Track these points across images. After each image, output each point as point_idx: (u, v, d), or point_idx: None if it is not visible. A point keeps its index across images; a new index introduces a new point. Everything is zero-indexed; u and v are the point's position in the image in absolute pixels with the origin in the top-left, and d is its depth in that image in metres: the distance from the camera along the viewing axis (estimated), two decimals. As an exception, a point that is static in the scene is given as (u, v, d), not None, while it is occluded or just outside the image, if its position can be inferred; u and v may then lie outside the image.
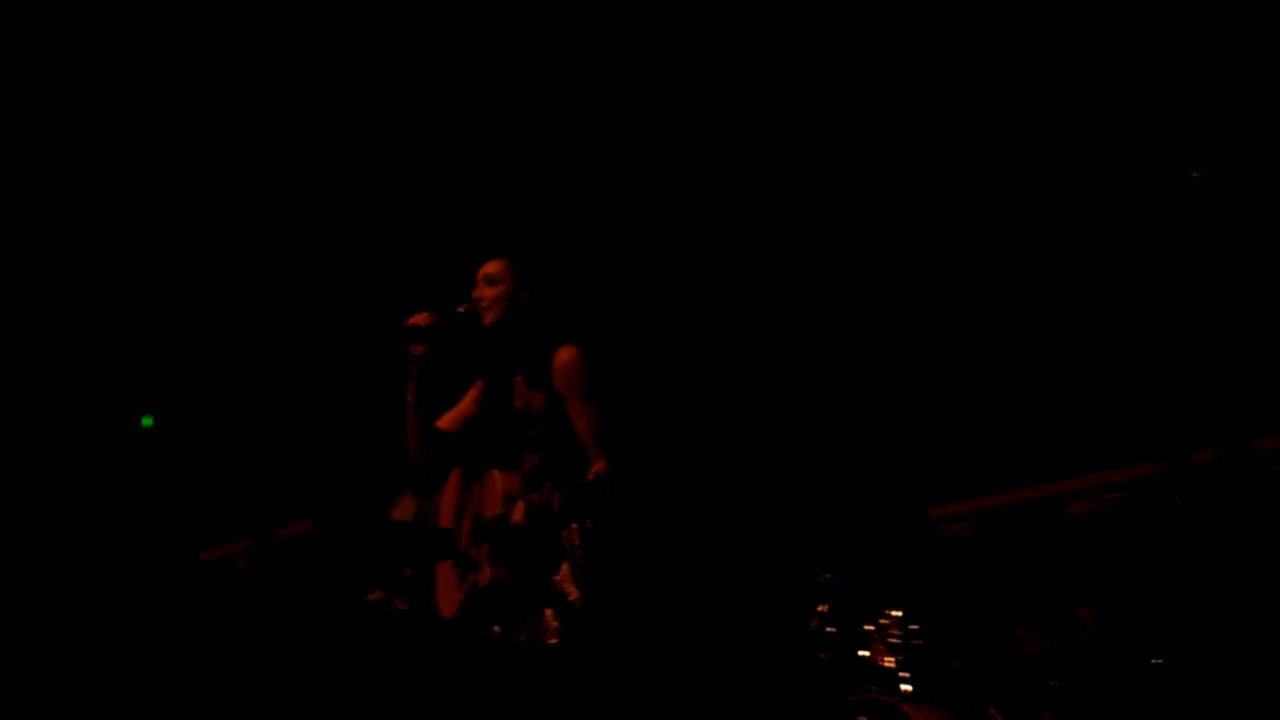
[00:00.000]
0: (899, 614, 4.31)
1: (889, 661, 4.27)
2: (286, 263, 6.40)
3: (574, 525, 3.86)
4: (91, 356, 6.38)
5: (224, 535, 5.56)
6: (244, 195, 6.38)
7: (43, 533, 6.11)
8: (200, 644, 5.23)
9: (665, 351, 5.44)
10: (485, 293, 4.16)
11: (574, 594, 3.80)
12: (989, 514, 4.27)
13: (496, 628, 3.90)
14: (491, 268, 4.18)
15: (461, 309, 4.17)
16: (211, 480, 6.23)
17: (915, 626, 4.28)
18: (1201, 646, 3.72)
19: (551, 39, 5.84)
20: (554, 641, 3.80)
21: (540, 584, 3.86)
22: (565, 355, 4.02)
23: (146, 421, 5.69)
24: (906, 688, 4.20)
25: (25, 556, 6.01)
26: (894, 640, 4.28)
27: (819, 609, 4.44)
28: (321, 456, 5.81)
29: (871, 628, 4.33)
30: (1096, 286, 4.71)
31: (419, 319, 4.13)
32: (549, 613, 3.82)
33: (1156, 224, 4.26)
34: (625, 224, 5.75)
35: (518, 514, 3.92)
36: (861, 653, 4.30)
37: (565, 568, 3.84)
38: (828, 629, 4.39)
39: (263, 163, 6.31)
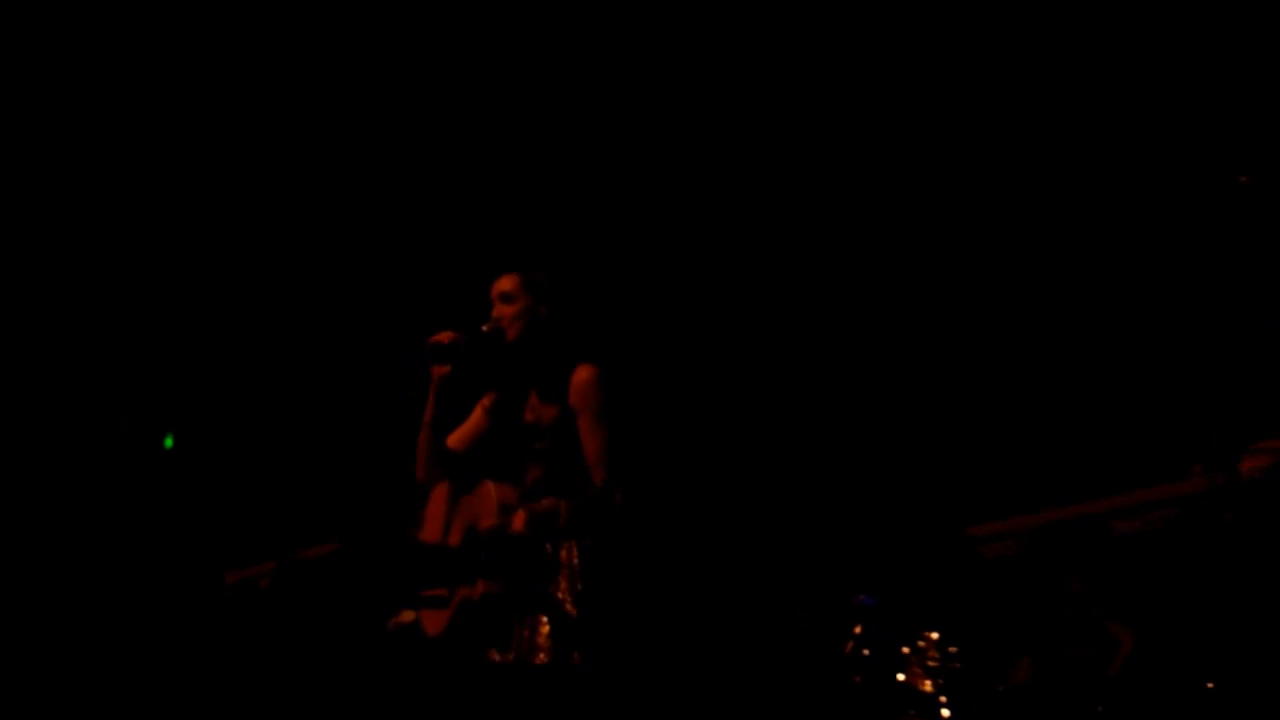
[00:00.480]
0: (937, 636, 4.24)
1: (927, 685, 4.20)
2: (311, 282, 6.39)
3: (573, 542, 3.83)
4: (115, 377, 6.37)
5: (247, 557, 5.53)
6: (265, 219, 6.38)
7: (65, 555, 6.09)
8: (224, 667, 5.18)
9: (685, 372, 5.42)
10: (504, 310, 4.12)
11: (572, 612, 3.77)
12: (1030, 532, 4.20)
13: (495, 654, 3.84)
14: (505, 284, 4.14)
15: (485, 328, 4.13)
16: (234, 501, 6.20)
17: (954, 649, 4.22)
18: (1255, 670, 3.63)
19: (571, 56, 5.83)
20: (543, 659, 3.75)
21: (536, 597, 3.82)
22: (584, 373, 4.00)
23: (167, 442, 5.67)
24: (946, 712, 4.13)
25: (49, 580, 5.99)
26: (932, 663, 4.22)
27: (854, 631, 4.37)
28: (347, 477, 5.78)
29: (909, 650, 4.26)
30: (1142, 299, 4.68)
31: (442, 337, 4.09)
32: (543, 630, 3.78)
33: (1205, 235, 4.19)
34: (646, 240, 5.73)
35: (518, 523, 3.87)
36: (899, 676, 4.23)
37: (564, 585, 3.82)
38: (863, 652, 4.32)
39: (286, 188, 6.30)
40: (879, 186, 5.38)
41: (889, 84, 5.35)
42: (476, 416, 4.24)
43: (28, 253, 6.21)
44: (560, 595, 3.80)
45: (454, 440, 4.21)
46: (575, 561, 3.83)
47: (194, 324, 6.38)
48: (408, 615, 4.37)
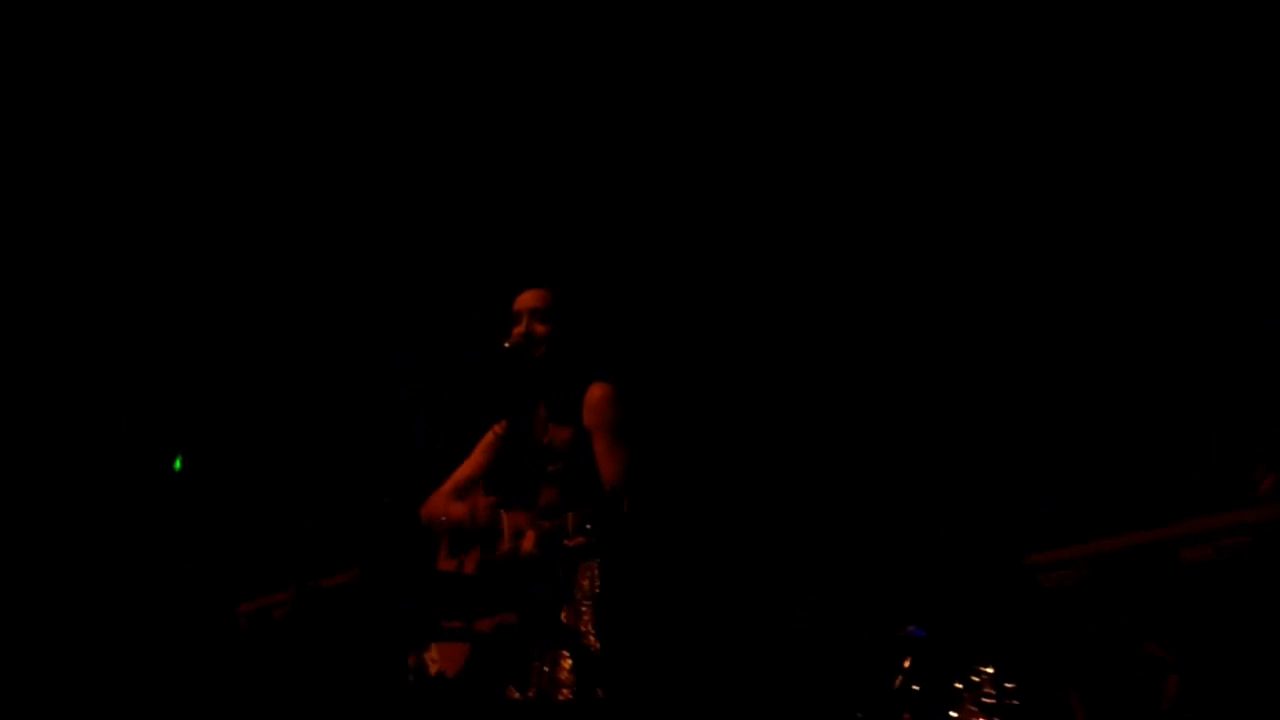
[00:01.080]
0: (992, 671, 4.16)
1: (981, 723, 4.16)
2: (335, 307, 6.36)
3: (594, 567, 3.78)
4: (129, 400, 6.31)
5: (263, 586, 5.43)
6: (286, 248, 6.38)
7: (76, 584, 6.03)
8: (238, 701, 5.05)
9: (703, 388, 5.37)
10: (536, 328, 4.00)
11: (595, 644, 3.71)
12: (1092, 561, 4.02)
13: (514, 691, 3.72)
14: (536, 300, 4.08)
15: (508, 344, 4.01)
16: (249, 529, 6.15)
17: (1010, 685, 4.13)
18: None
19: (598, 77, 5.79)
20: (566, 696, 3.68)
21: (555, 628, 3.77)
22: (599, 390, 3.97)
23: (176, 464, 5.60)
24: (1001, 752, 4.07)
25: (59, 611, 5.92)
26: (987, 700, 4.12)
27: (903, 664, 4.31)
28: (368, 502, 5.70)
29: (962, 686, 4.18)
30: (1219, 319, 4.59)
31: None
32: (565, 664, 3.70)
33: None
34: (657, 254, 5.68)
35: (528, 544, 3.81)
36: (951, 713, 4.15)
37: (586, 615, 3.76)
38: (913, 687, 4.26)
39: (293, 196, 6.30)
40: (923, 207, 5.31)
41: (926, 105, 5.31)
42: (485, 449, 4.13)
43: (32, 260, 6.18)
44: (583, 628, 3.71)
45: (461, 476, 4.20)
46: (597, 590, 3.76)
47: (199, 334, 6.37)
48: (429, 651, 4.23)
